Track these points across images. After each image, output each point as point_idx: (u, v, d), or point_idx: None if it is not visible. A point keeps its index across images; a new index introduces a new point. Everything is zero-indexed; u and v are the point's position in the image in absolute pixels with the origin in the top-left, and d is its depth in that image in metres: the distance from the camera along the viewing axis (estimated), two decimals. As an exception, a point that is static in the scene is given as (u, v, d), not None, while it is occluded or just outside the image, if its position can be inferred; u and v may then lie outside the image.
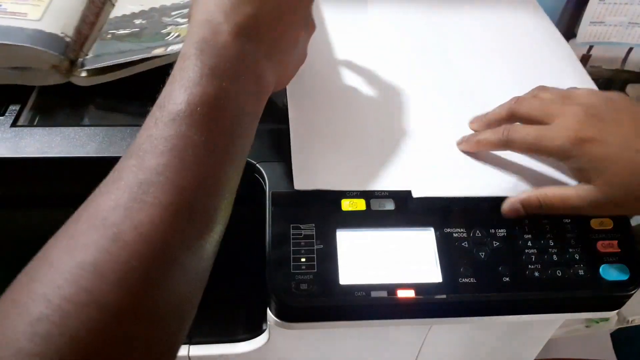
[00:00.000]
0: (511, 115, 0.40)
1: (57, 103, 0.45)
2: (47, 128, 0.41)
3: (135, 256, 0.23)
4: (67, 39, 0.43)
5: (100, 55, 0.44)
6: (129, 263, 0.23)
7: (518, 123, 0.39)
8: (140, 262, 0.23)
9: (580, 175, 0.37)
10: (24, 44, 0.40)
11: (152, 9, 0.51)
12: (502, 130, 0.38)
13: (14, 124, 0.42)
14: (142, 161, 0.25)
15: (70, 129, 0.41)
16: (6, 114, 0.43)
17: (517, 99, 0.40)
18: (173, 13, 0.50)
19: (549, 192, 0.37)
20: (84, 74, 0.43)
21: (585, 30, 0.77)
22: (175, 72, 0.28)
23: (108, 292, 0.22)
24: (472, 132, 0.43)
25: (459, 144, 0.42)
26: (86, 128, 0.42)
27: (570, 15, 0.78)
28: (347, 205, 0.39)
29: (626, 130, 0.34)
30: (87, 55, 0.44)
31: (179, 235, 0.25)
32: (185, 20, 0.45)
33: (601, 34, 0.78)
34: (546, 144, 0.36)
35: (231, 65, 0.28)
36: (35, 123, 0.43)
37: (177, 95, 0.27)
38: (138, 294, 0.23)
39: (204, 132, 0.27)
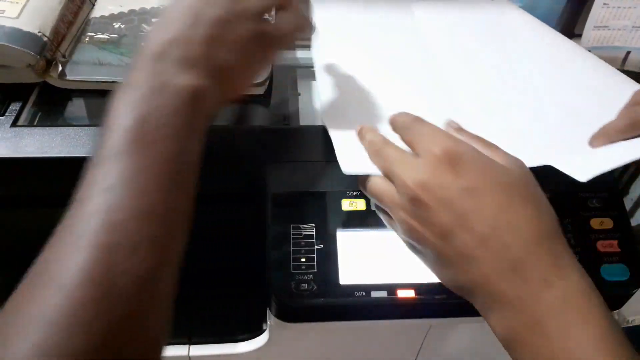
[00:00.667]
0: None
1: (57, 103, 0.45)
2: (47, 128, 0.41)
3: (80, 302, 0.23)
4: (44, 39, 0.43)
5: (79, 63, 0.44)
6: (76, 314, 0.23)
7: None
8: (85, 306, 0.23)
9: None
10: (0, 42, 0.40)
11: (132, 12, 0.52)
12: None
13: (14, 124, 0.42)
14: (79, 208, 0.26)
15: (70, 129, 0.41)
16: (6, 114, 0.43)
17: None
18: (153, 20, 0.50)
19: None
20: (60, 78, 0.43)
21: (589, 34, 0.77)
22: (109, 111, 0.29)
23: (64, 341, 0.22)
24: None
25: (595, 139, 0.38)
26: (86, 128, 0.42)
27: (570, 15, 0.78)
28: (347, 205, 0.39)
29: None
30: (63, 55, 0.44)
31: (120, 270, 0.24)
32: None
33: (605, 39, 0.78)
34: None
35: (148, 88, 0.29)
36: (35, 123, 0.43)
37: (105, 140, 0.27)
38: (96, 333, 0.23)
39: (134, 166, 0.27)
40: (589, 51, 0.68)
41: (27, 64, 0.42)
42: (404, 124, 0.34)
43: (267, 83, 0.47)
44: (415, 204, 0.30)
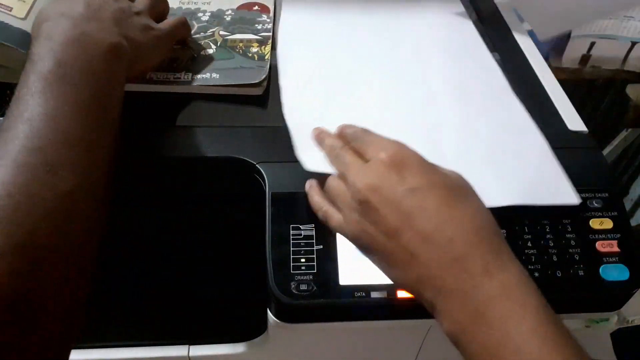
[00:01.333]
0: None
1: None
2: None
3: (1, 209, 0.27)
4: None
5: None
6: (3, 217, 0.27)
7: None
8: (7, 213, 0.27)
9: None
10: (7, 43, 0.40)
11: None
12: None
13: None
14: (5, 133, 0.30)
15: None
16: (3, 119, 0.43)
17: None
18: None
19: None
20: None
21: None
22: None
23: None
24: None
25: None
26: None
27: (570, 15, 0.78)
28: (347, 205, 0.39)
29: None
30: None
31: (42, 186, 0.28)
32: None
33: (597, 28, 0.78)
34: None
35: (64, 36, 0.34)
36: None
37: (20, 85, 0.32)
38: (16, 240, 0.27)
39: (47, 100, 0.31)
40: (589, 46, 0.68)
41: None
42: (354, 135, 0.37)
43: (265, 83, 0.47)
44: (365, 205, 0.32)
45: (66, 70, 0.33)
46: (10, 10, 0.42)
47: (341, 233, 0.35)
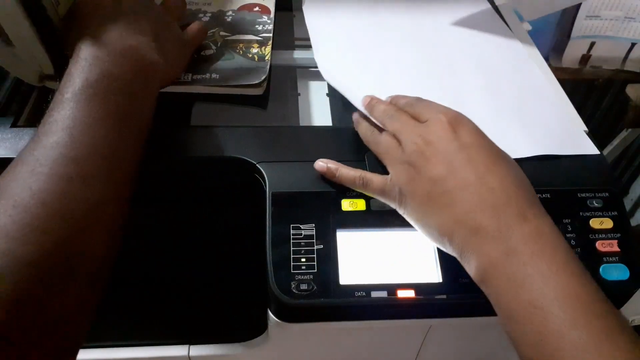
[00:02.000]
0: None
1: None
2: (47, 128, 0.41)
3: (35, 218, 0.27)
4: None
5: None
6: (31, 225, 0.27)
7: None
8: (40, 222, 0.27)
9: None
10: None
11: None
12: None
13: (14, 125, 0.42)
14: (39, 141, 0.30)
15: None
16: (6, 115, 0.43)
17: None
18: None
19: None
20: None
21: (581, 24, 0.77)
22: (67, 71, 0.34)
23: (18, 247, 0.26)
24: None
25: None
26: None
27: (572, 15, 0.78)
28: (347, 205, 0.39)
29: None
30: None
31: (75, 197, 0.29)
32: None
33: (597, 28, 0.78)
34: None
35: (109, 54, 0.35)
36: (35, 123, 0.43)
37: (64, 86, 0.33)
38: (47, 249, 0.27)
39: (90, 110, 0.32)
40: (589, 46, 0.68)
41: (40, 70, 0.41)
42: (408, 102, 0.40)
43: (265, 84, 0.47)
44: (418, 155, 0.35)
45: (111, 82, 0.34)
46: None
47: (386, 185, 0.37)
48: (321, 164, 0.40)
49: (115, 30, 0.36)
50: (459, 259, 0.34)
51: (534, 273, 0.30)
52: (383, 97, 0.44)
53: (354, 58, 0.52)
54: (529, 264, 0.30)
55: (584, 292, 0.30)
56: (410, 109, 0.39)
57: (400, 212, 0.37)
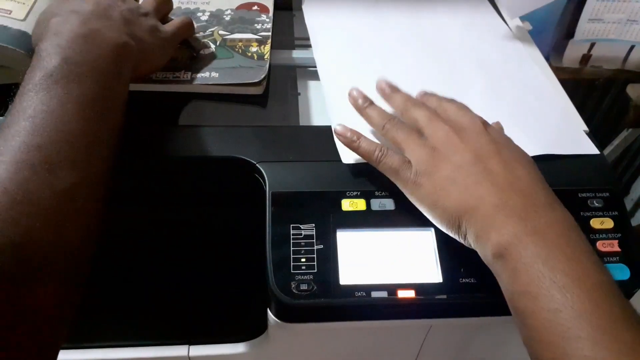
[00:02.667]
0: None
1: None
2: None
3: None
4: None
5: None
6: None
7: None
8: (3, 210, 0.27)
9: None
10: (7, 45, 0.40)
11: None
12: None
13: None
14: (1, 134, 0.30)
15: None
16: (6, 115, 0.43)
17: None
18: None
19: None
20: None
21: (584, 27, 0.77)
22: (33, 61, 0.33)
23: None
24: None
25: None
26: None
27: (571, 16, 0.78)
28: (347, 205, 0.39)
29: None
30: None
31: (40, 184, 0.28)
32: None
33: (600, 31, 0.77)
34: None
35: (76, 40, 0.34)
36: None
37: (25, 80, 0.32)
38: (11, 238, 0.26)
39: (51, 97, 0.31)
40: (589, 46, 0.68)
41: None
42: (437, 99, 0.41)
43: (264, 83, 0.47)
44: (447, 142, 0.36)
45: (72, 67, 0.32)
46: (10, 13, 0.42)
47: (404, 164, 0.37)
48: (340, 128, 0.40)
49: (75, 19, 0.35)
50: (472, 239, 0.34)
51: (559, 254, 0.30)
52: (384, 96, 0.44)
53: (353, 58, 0.52)
54: (554, 245, 0.30)
55: (606, 279, 0.30)
56: (405, 114, 0.40)
57: (410, 193, 0.37)
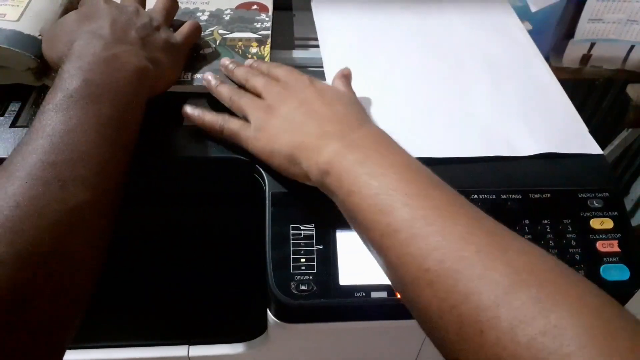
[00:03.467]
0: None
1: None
2: (46, 128, 0.41)
3: (8, 219, 0.27)
4: None
5: None
6: (3, 225, 0.27)
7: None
8: (13, 223, 0.27)
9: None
10: (1, 45, 0.40)
11: None
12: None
13: (13, 125, 0.42)
14: (19, 150, 0.31)
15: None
16: (5, 115, 0.43)
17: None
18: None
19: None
20: None
21: (584, 27, 0.77)
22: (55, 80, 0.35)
23: None
24: None
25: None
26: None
27: (570, 16, 0.78)
28: (347, 205, 0.39)
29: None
30: None
31: (51, 200, 0.29)
32: None
33: (600, 32, 0.78)
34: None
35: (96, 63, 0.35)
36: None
37: (46, 100, 0.33)
38: (19, 249, 0.27)
39: (70, 117, 0.32)
40: (589, 46, 0.67)
41: (27, 67, 0.42)
42: (270, 65, 0.45)
43: None
44: (277, 98, 0.40)
45: (92, 89, 0.34)
46: (4, 16, 0.42)
47: (243, 125, 0.40)
48: (188, 109, 0.43)
49: (98, 43, 0.37)
50: (309, 172, 0.36)
51: (372, 154, 0.34)
52: (389, 94, 0.46)
53: (360, 55, 0.52)
54: (369, 149, 0.34)
55: (413, 161, 0.34)
56: (270, 71, 0.44)
57: (252, 148, 0.39)
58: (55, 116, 0.32)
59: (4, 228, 0.27)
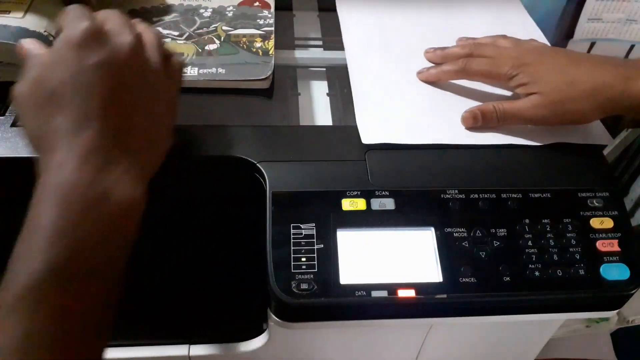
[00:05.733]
0: (469, 54, 0.47)
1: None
2: (47, 128, 0.41)
3: None
4: (51, 38, 0.43)
5: None
6: None
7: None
8: None
9: (524, 90, 0.43)
10: (7, 41, 0.40)
11: (133, 11, 0.53)
12: (460, 62, 0.47)
13: (14, 124, 0.42)
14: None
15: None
16: (6, 114, 0.43)
17: (477, 43, 0.49)
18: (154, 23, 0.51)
19: (505, 104, 0.44)
20: None
21: (583, 27, 0.77)
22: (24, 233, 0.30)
23: None
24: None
25: (419, 73, 0.49)
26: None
27: (570, 16, 0.78)
28: (347, 204, 0.39)
29: (557, 59, 0.43)
30: None
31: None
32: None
33: (599, 31, 0.78)
34: (496, 70, 0.45)
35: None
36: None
37: (19, 275, 0.28)
38: None
39: (53, 311, 0.28)
40: (589, 46, 0.67)
41: None
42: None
43: (271, 77, 0.48)
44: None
45: (80, 267, 0.29)
46: (9, 13, 0.43)
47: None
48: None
49: (85, 174, 0.29)
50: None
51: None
52: (411, 86, 0.48)
53: (383, 57, 0.52)
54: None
55: None
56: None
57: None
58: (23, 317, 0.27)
59: None
